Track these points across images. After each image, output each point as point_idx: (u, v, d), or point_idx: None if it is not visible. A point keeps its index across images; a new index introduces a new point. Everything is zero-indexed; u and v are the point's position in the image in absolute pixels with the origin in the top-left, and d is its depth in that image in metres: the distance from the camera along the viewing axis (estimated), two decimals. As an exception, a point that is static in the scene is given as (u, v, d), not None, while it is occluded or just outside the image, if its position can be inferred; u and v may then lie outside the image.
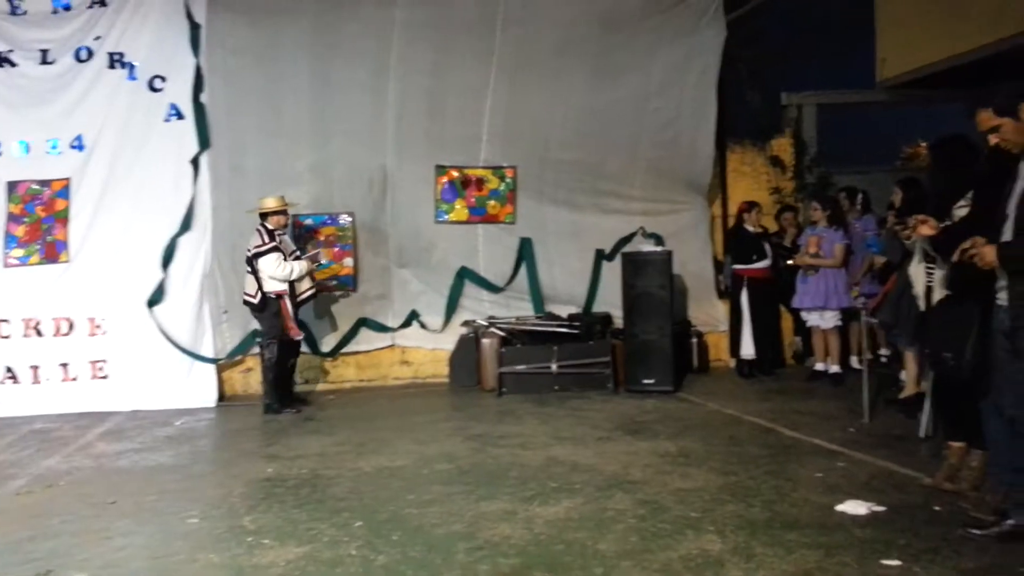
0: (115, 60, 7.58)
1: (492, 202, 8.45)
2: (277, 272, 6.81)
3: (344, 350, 8.08)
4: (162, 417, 6.97)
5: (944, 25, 7.51)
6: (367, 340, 8.16)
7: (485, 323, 7.96)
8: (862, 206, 7.55)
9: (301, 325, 7.14)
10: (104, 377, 7.41)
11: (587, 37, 8.24)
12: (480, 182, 8.40)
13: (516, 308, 8.32)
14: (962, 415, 4.04)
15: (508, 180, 8.45)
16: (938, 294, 4.22)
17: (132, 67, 7.59)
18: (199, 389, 7.48)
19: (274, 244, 6.85)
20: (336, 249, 8.04)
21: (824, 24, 9.05)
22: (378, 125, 8.05)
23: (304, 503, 4.41)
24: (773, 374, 7.93)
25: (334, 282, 8.03)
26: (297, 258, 7.04)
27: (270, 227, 6.91)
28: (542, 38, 8.19)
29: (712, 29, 8.45)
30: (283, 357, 6.99)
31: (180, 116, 7.60)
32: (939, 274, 4.20)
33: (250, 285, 6.94)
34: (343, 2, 7.82)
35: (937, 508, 3.93)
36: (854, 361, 7.60)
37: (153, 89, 7.61)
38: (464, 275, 8.28)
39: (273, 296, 6.86)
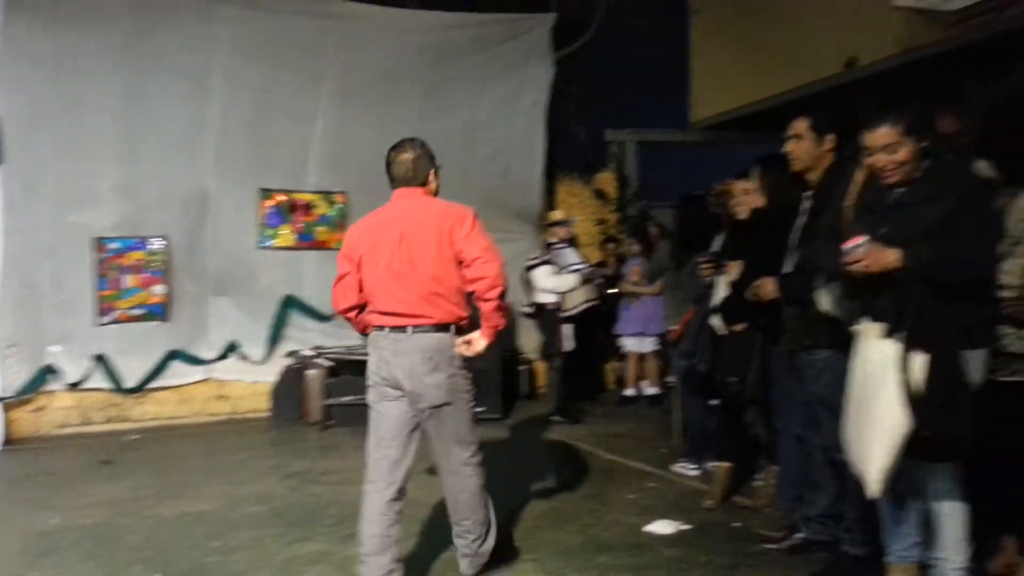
0: None
1: (321, 228, 8.20)
2: (543, 284, 7.03)
3: (151, 385, 7.47)
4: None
5: (749, 72, 8.15)
6: (178, 374, 7.58)
7: (311, 353, 7.66)
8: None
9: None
10: None
11: (418, 66, 8.23)
12: (308, 207, 8.14)
13: (345, 337, 7.97)
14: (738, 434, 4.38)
15: (339, 205, 8.24)
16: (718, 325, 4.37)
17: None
18: (-20, 431, 6.67)
19: (546, 257, 7.12)
20: (144, 275, 7.47)
21: (647, 66, 9.55)
22: (197, 144, 7.57)
23: (92, 556, 4.00)
24: (596, 399, 8.17)
25: (139, 311, 7.45)
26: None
27: (550, 240, 7.26)
28: (374, 64, 8.08)
29: (541, 66, 8.71)
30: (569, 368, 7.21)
31: (-32, 127, 6.83)
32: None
33: (526, 296, 7.34)
34: (159, 15, 7.31)
35: (736, 524, 4.16)
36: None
37: (-63, 97, 6.80)
38: (289, 304, 7.94)
39: (550, 308, 7.05)
